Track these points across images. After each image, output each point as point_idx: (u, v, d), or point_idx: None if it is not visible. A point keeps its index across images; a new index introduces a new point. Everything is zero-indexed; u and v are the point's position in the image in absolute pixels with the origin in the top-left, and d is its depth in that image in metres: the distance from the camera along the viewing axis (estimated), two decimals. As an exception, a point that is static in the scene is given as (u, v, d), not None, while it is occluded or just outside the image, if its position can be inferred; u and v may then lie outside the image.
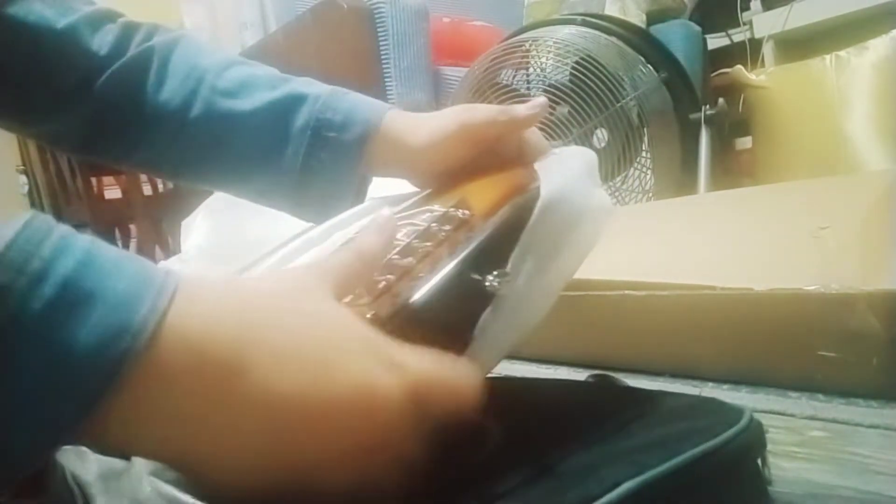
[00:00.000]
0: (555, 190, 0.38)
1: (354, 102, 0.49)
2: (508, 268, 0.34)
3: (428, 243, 0.33)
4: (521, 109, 0.46)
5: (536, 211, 0.36)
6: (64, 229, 0.22)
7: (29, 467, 0.21)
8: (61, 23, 0.49)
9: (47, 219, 0.22)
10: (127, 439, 0.23)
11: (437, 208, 0.36)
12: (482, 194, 0.39)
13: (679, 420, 0.35)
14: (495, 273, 0.32)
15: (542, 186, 0.38)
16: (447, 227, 0.34)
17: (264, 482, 0.24)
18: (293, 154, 0.49)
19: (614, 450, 0.32)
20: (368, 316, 0.29)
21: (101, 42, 0.51)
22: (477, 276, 0.32)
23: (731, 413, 0.34)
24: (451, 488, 0.29)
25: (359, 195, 0.50)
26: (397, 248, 0.32)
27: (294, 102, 0.49)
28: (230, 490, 0.24)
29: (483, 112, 0.46)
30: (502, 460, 0.31)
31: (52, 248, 0.21)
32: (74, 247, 0.21)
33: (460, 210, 0.35)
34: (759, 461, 0.33)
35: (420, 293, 0.31)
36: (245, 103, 0.49)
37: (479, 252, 0.34)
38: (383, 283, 0.31)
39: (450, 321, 0.32)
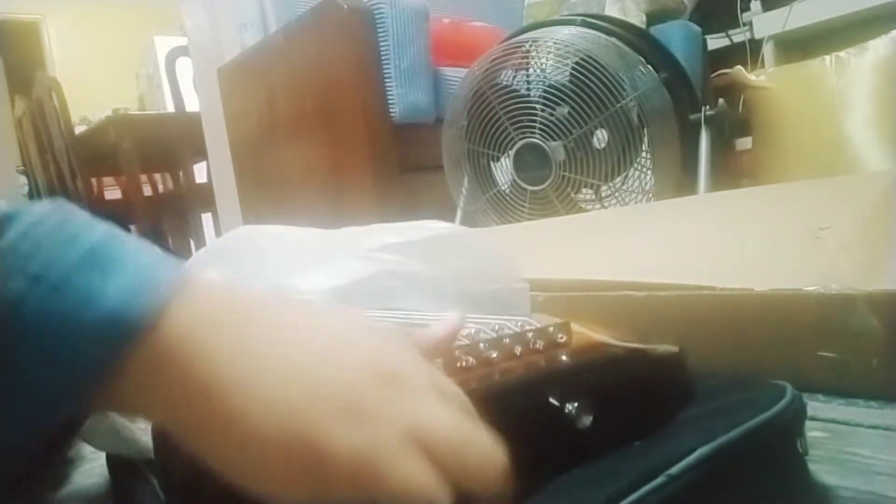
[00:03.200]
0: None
1: None
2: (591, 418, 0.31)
3: (518, 346, 0.32)
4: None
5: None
6: (87, 215, 0.24)
7: (64, 414, 0.22)
8: None
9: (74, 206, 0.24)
10: (141, 401, 0.23)
11: (535, 323, 0.35)
12: (583, 331, 0.37)
13: (727, 393, 0.36)
14: (576, 403, 0.30)
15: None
16: (540, 343, 0.33)
17: (264, 456, 0.23)
18: None
19: (678, 418, 0.34)
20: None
21: None
22: (555, 402, 0.30)
23: (775, 387, 0.35)
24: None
25: None
26: (487, 339, 0.32)
27: None
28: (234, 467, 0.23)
29: None
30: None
31: (81, 221, 0.23)
32: (100, 226, 0.24)
33: (559, 333, 0.34)
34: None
35: (491, 386, 0.30)
36: None
37: (563, 378, 0.31)
38: (462, 363, 0.31)
39: (515, 430, 0.26)
